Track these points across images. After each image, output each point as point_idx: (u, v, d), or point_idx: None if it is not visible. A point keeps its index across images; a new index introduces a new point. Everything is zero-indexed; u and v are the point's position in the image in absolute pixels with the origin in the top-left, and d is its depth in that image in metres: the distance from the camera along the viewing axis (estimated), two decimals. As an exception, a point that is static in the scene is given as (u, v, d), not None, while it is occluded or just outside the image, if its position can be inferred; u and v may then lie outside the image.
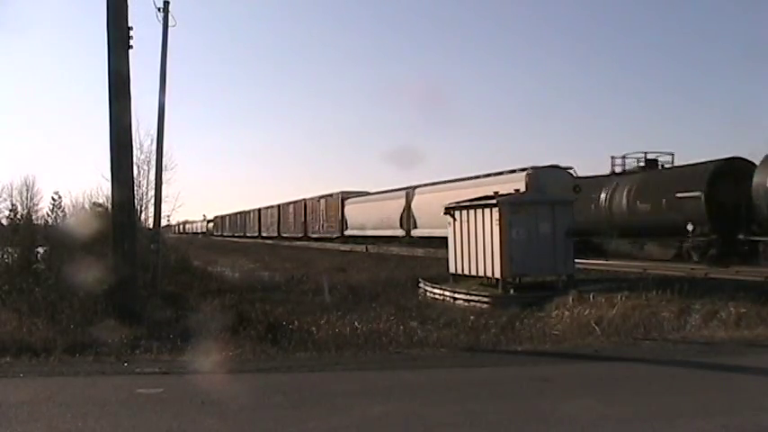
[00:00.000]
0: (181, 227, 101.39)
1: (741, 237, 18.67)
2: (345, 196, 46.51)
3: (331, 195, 49.22)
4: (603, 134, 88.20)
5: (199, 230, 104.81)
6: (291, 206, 60.12)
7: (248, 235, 73.64)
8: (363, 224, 42.39)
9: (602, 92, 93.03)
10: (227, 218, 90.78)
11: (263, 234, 67.96)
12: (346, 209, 45.72)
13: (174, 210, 24.72)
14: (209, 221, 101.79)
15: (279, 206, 63.65)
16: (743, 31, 75.75)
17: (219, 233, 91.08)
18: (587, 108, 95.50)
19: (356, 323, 12.02)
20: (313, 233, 52.49)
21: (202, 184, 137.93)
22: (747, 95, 74.36)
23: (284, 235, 60.74)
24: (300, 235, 54.81)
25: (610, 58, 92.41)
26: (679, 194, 20.49)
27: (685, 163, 23.23)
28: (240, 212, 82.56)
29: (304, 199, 55.96)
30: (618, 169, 25.99)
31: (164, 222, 21.39)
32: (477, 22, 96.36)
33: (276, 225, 63.99)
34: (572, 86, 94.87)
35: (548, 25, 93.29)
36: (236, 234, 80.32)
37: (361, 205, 43.87)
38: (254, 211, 74.58)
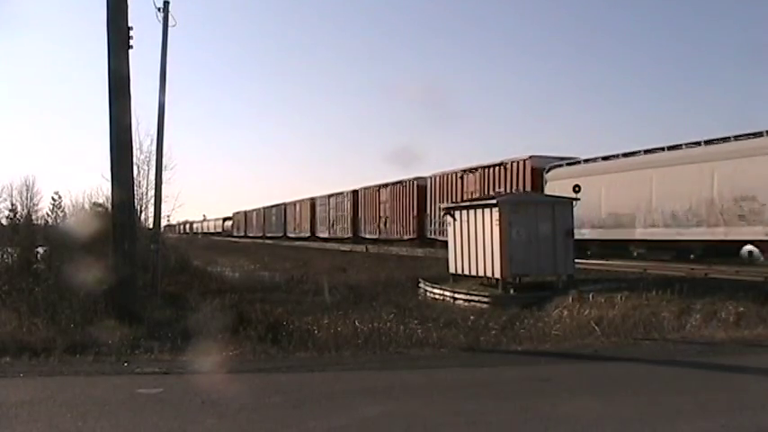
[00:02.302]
0: (185, 227, 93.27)
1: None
2: (539, 163, 25.65)
3: (502, 165, 27.43)
4: (604, 131, 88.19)
5: (210, 230, 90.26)
6: (386, 190, 38.91)
7: (291, 236, 55.75)
8: (618, 215, 22.92)
9: (601, 88, 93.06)
10: (255, 214, 71.89)
11: (320, 235, 49.26)
12: (550, 185, 24.64)
13: (174, 210, 24.77)
14: (225, 219, 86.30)
15: (355, 192, 43.87)
16: (745, 28, 75.79)
17: (242, 233, 73.91)
18: (587, 105, 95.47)
19: (356, 323, 12.00)
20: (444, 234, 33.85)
21: (202, 185, 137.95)
22: (749, 94, 74.24)
23: (367, 236, 40.60)
24: (410, 236, 34.92)
25: (609, 55, 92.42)
26: None
27: None
28: (276, 206, 62.85)
29: (418, 178, 34.98)
30: None
31: (164, 222, 21.40)
32: (476, 20, 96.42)
33: (348, 222, 44.36)
34: (572, 83, 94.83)
35: (547, 22, 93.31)
36: (268, 235, 62.35)
37: (604, 178, 23.51)
38: (301, 202, 54.99)
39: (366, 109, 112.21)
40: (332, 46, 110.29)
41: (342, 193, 46.68)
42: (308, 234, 52.36)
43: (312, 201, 53.08)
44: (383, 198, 39.90)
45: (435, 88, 78.06)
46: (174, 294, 17.13)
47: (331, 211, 48.77)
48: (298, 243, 50.62)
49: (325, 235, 48.58)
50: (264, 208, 67.81)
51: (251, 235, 70.59)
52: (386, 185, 39.72)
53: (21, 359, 8.16)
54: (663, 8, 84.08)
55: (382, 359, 8.57)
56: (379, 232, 39.47)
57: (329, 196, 49.16)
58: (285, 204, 60.26)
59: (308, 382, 7.17)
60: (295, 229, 56.48)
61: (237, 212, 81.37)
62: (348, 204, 45.18)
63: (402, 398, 6.34)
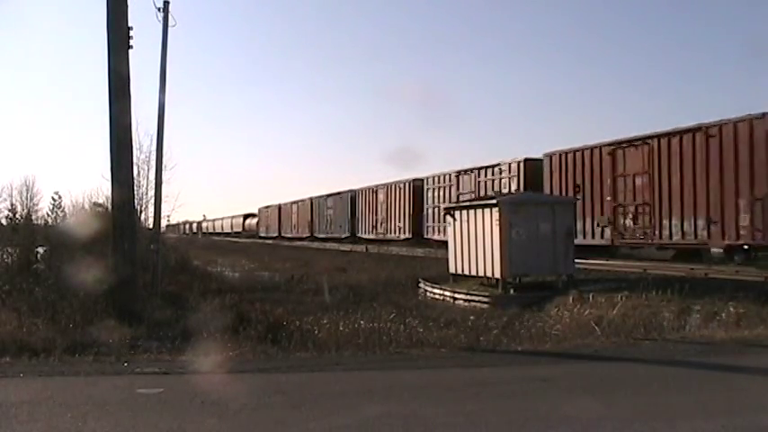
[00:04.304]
0: (190, 226, 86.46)
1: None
2: None
3: None
4: (604, 129, 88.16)
5: (224, 230, 77.28)
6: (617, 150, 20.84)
7: (367, 237, 38.45)
8: None
9: (600, 86, 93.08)
10: (295, 208, 54.42)
11: (434, 237, 30.19)
12: None
13: (173, 210, 24.75)
14: (247, 216, 70.96)
15: (523, 164, 25.54)
16: (746, 26, 75.78)
17: (273, 233, 59.04)
18: (588, 102, 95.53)
19: (357, 323, 12.00)
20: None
21: (202, 184, 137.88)
22: (750, 90, 74.14)
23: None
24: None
25: (608, 52, 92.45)
26: None
27: None
28: (335, 194, 45.11)
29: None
30: None
31: (164, 222, 21.38)
32: (474, 21, 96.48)
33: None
34: (571, 83, 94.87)
35: (546, 22, 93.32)
36: (320, 236, 46.67)
37: None
38: (391, 186, 36.65)
39: (366, 109, 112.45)
40: (331, 46, 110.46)
41: (494, 166, 26.99)
42: (407, 235, 33.97)
43: (415, 183, 33.59)
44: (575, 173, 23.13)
45: (435, 89, 78.11)
46: (174, 294, 17.12)
47: (460, 198, 27.90)
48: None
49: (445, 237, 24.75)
50: (313, 199, 49.71)
51: (289, 236, 54.35)
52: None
53: (21, 359, 8.16)
54: (660, 9, 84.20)
55: (382, 359, 8.57)
56: (603, 234, 21.89)
57: (460, 173, 29.40)
58: (354, 192, 42.02)
59: (307, 382, 7.17)
60: (376, 227, 38.02)
61: (266, 207, 64.57)
62: (508, 182, 26.15)
63: (402, 398, 6.34)
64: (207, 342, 9.32)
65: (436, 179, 32.23)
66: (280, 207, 59.69)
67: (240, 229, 71.52)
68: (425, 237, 32.14)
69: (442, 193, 31.11)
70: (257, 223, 66.90)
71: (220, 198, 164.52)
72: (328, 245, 42.90)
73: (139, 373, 7.36)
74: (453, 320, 13.62)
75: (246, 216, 71.55)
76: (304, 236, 50.80)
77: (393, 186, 36.75)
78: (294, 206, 55.17)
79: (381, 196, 38.14)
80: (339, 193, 44.74)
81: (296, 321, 12.57)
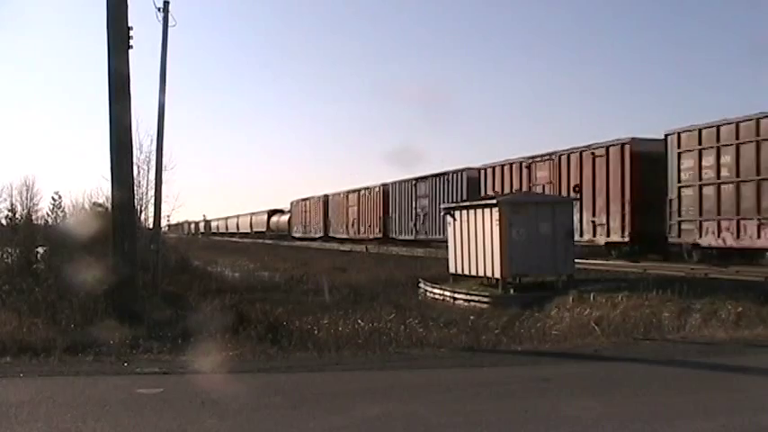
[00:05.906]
0: (196, 225, 79.79)
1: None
2: None
3: None
4: (605, 128, 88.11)
5: (241, 230, 65.95)
6: None
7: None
8: None
9: (601, 87, 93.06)
10: (352, 199, 40.99)
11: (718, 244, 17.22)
12: None
13: (174, 210, 24.76)
14: (272, 213, 58.55)
15: None
16: (748, 25, 75.78)
17: (316, 233, 46.75)
18: (588, 101, 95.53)
19: (357, 323, 12.00)
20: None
21: (202, 185, 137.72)
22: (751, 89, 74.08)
23: None
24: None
25: (609, 53, 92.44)
26: None
27: None
28: (428, 177, 32.11)
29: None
30: None
31: (164, 222, 21.36)
32: (475, 20, 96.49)
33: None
34: (572, 80, 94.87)
35: (547, 21, 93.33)
36: (403, 237, 33.98)
37: None
38: (552, 158, 22.98)
39: (366, 109, 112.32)
40: (331, 46, 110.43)
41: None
42: (623, 237, 20.70)
43: (630, 146, 20.52)
44: None
45: (435, 89, 78.08)
46: (174, 294, 17.12)
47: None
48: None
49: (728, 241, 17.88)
50: (389, 185, 36.51)
51: (342, 236, 41.27)
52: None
53: (21, 359, 8.17)
54: (661, 9, 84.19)
55: (382, 359, 8.57)
56: None
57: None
58: (472, 172, 28.36)
59: (308, 382, 7.18)
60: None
61: (303, 199, 50.76)
62: None
63: (402, 398, 6.35)
64: (207, 342, 9.31)
65: (695, 136, 18.55)
66: (326, 199, 45.46)
67: (264, 228, 58.63)
68: (670, 241, 19.09)
69: (713, 160, 18.03)
70: (289, 221, 53.96)
71: (220, 198, 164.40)
72: (333, 245, 40.68)
73: (139, 373, 7.37)
74: (453, 320, 13.61)
75: (272, 212, 58.71)
76: (371, 237, 37.05)
77: (569, 157, 22.18)
78: (353, 196, 40.42)
79: (542, 176, 23.73)
80: (444, 174, 30.38)
81: (296, 321, 12.57)
